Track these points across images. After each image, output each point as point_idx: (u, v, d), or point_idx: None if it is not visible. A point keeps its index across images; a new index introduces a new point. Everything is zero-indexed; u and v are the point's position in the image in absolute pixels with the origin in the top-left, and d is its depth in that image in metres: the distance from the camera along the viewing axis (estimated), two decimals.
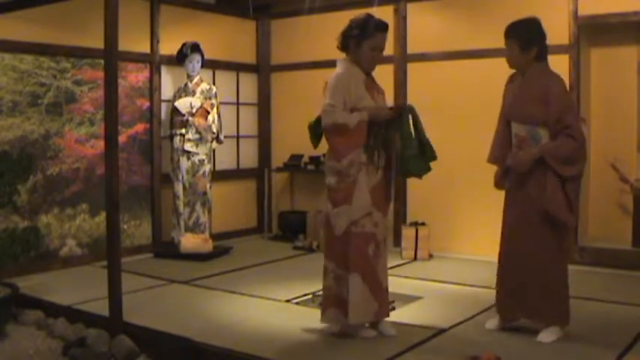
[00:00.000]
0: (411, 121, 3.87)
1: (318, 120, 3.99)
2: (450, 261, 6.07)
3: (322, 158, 6.69)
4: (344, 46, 3.92)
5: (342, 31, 3.93)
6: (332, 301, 3.87)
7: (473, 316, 4.24)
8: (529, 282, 3.80)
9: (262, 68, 7.62)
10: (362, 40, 3.83)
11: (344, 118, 3.76)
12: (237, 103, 7.44)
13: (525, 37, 3.74)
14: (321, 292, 4.05)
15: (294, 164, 7.22)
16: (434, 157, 3.93)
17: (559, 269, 3.79)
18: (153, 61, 6.45)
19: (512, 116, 3.84)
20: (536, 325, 3.84)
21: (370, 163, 3.84)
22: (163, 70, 6.56)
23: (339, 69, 3.91)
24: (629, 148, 5.90)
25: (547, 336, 3.75)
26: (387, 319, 3.98)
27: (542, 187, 3.70)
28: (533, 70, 3.76)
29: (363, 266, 3.80)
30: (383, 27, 3.88)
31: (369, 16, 3.89)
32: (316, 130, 4.06)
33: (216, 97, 6.50)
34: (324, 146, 4.12)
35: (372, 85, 3.96)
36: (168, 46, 6.48)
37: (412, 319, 4.21)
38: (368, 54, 3.87)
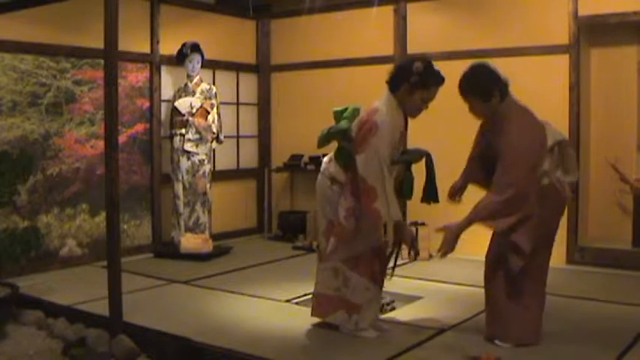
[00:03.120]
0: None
1: (341, 149, 3.89)
2: (450, 261, 6.00)
3: (322, 158, 6.69)
4: (394, 85, 3.73)
5: (398, 68, 3.74)
6: (339, 303, 3.89)
7: (473, 316, 4.24)
8: (485, 290, 3.79)
9: (262, 68, 7.62)
10: (416, 89, 3.66)
11: (384, 196, 3.60)
12: (237, 103, 7.44)
13: (484, 90, 3.58)
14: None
15: (294, 164, 7.22)
16: (435, 199, 4.03)
17: (506, 284, 3.62)
18: (153, 61, 6.45)
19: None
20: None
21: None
22: (163, 70, 6.56)
23: (386, 110, 3.70)
24: (629, 148, 5.90)
25: (499, 341, 3.68)
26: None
27: None
28: (498, 113, 3.62)
29: (372, 268, 3.85)
30: (441, 82, 3.68)
31: (431, 65, 3.68)
32: (328, 139, 3.98)
33: (216, 97, 6.50)
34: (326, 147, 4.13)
35: (404, 135, 3.86)
36: (169, 46, 6.48)
37: (412, 319, 4.21)
38: (418, 103, 3.72)
